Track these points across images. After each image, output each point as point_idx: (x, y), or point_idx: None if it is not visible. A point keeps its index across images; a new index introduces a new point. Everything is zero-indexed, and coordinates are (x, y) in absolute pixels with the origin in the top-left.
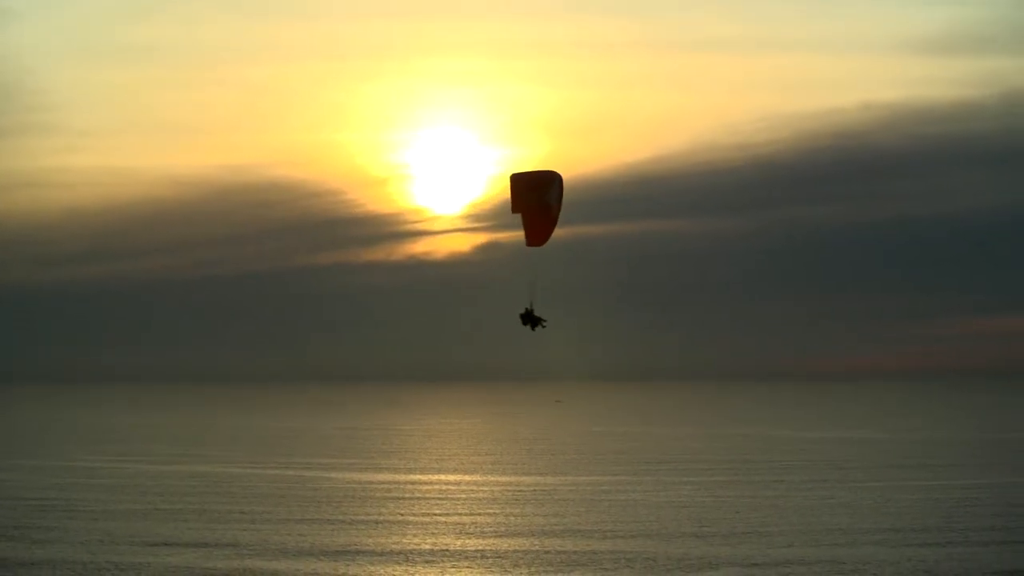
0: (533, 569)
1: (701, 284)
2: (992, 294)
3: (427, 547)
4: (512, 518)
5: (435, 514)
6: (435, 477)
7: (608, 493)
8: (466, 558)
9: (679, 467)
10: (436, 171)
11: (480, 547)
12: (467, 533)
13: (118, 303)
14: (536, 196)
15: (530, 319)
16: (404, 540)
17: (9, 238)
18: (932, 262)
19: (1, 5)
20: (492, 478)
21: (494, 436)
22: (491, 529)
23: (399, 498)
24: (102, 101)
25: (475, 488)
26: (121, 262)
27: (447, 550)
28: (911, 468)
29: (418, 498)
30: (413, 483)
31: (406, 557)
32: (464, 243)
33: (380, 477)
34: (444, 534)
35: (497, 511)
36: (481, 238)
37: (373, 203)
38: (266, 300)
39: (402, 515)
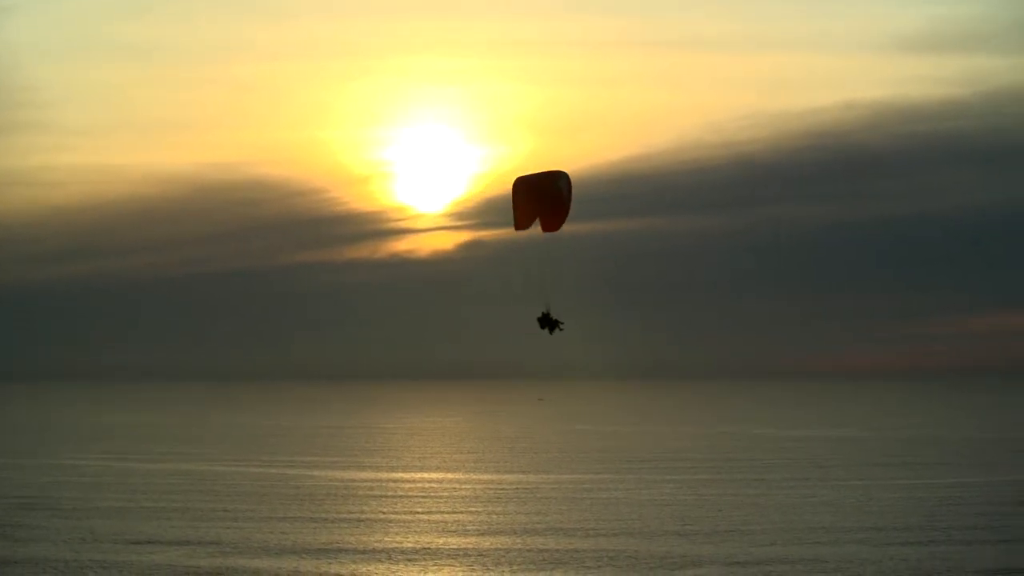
0: (515, 567)
1: (687, 282)
2: (984, 292)
3: (409, 545)
4: (494, 516)
5: (417, 512)
6: (417, 475)
7: (590, 491)
8: (448, 556)
9: (662, 465)
10: (419, 169)
11: (462, 545)
12: (449, 531)
13: (104, 301)
14: (549, 181)
15: (547, 322)
16: (386, 538)
17: None
18: (921, 261)
19: None
20: (474, 476)
21: (476, 434)
22: (473, 527)
23: (382, 496)
24: (90, 99)
25: (457, 486)
26: (107, 260)
27: (429, 548)
28: (894, 467)
29: (400, 496)
30: (395, 481)
31: (388, 555)
32: (447, 241)
33: (363, 475)
34: (426, 532)
35: (479, 509)
36: (464, 236)
37: (356, 201)
38: (251, 298)
39: (384, 513)
